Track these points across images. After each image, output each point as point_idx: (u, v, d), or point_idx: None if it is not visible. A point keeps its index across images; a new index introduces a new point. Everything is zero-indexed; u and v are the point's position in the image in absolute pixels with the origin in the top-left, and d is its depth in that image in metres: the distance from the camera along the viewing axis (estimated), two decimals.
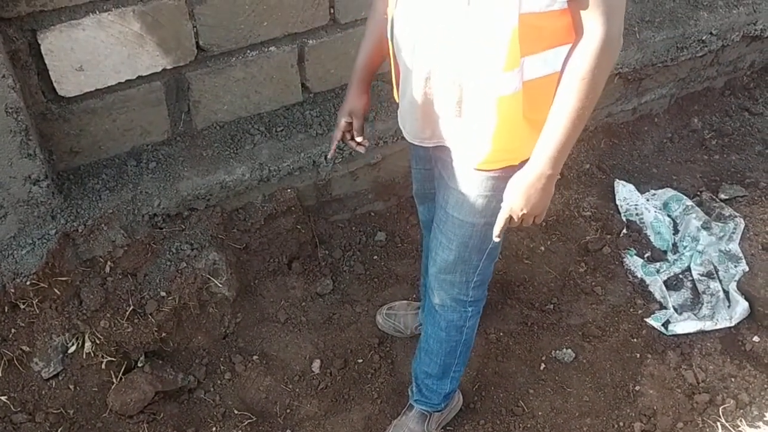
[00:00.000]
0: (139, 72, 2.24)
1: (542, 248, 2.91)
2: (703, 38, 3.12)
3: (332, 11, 2.46)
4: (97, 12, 2.07)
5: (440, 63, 1.60)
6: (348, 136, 1.98)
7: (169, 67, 2.28)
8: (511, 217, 1.69)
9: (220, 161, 2.43)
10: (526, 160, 1.62)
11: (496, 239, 1.76)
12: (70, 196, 2.28)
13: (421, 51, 1.62)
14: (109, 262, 2.32)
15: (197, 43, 2.29)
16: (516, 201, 1.64)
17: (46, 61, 2.08)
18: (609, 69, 1.50)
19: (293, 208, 2.58)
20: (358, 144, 1.98)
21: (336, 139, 1.99)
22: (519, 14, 1.44)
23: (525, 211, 1.65)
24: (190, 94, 2.39)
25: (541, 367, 2.56)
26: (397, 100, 1.84)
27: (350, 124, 1.96)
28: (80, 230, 2.26)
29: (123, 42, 2.15)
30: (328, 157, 2.18)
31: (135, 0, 2.11)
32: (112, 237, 2.31)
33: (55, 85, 2.14)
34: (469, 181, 1.75)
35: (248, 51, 2.41)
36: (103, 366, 2.29)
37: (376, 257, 2.82)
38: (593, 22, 1.44)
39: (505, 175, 1.67)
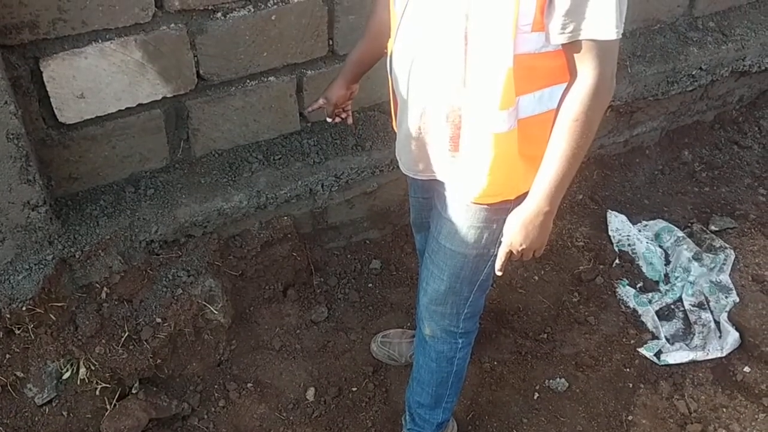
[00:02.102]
0: (140, 100, 2.27)
1: (536, 278, 2.93)
2: (693, 73, 3.18)
3: (331, 43, 2.50)
4: (100, 41, 2.10)
5: (435, 100, 1.64)
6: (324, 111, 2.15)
7: (169, 96, 2.31)
8: (511, 252, 1.72)
9: (217, 188, 2.45)
10: (522, 194, 1.66)
11: (498, 273, 1.78)
12: (67, 222, 2.29)
13: (417, 87, 1.66)
14: (105, 288, 2.33)
15: (198, 72, 2.32)
16: (516, 237, 1.68)
17: (48, 88, 2.11)
18: (602, 111, 1.53)
19: (289, 236, 2.60)
20: (328, 118, 2.17)
21: (312, 106, 2.16)
22: (514, 55, 1.48)
23: (524, 247, 1.69)
24: (189, 122, 2.42)
25: (535, 397, 2.57)
26: (395, 130, 1.87)
27: (326, 105, 2.12)
28: (77, 256, 2.26)
29: (124, 70, 2.18)
30: (306, 110, 2.27)
31: (137, 29, 2.14)
32: (109, 263, 2.32)
33: (55, 111, 2.16)
34: (463, 212, 1.78)
35: (248, 80, 2.44)
36: (98, 392, 2.29)
37: (371, 285, 2.84)
38: (586, 66, 1.47)
39: (498, 207, 1.71)
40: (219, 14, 2.25)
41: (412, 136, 1.74)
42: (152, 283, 2.38)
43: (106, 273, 2.33)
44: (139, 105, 2.28)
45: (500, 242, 1.75)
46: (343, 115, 2.18)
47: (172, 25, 2.19)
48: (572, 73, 1.51)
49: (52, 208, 2.24)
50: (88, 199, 2.36)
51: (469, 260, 1.85)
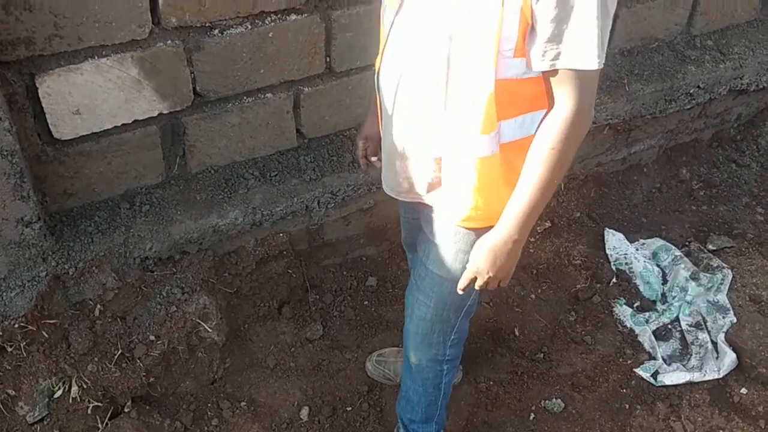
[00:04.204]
0: (136, 116, 2.26)
1: (533, 296, 2.92)
2: (691, 92, 3.18)
3: (328, 60, 2.50)
4: (96, 57, 2.09)
5: (418, 120, 1.63)
6: (364, 159, 2.08)
7: (165, 112, 2.30)
8: (474, 278, 1.70)
9: (213, 205, 2.44)
10: None
11: (460, 292, 1.76)
12: (62, 238, 2.28)
13: (401, 106, 1.66)
14: (98, 305, 2.31)
15: (194, 88, 2.31)
16: (482, 263, 1.66)
17: (43, 105, 2.10)
18: (579, 141, 1.53)
19: (285, 253, 2.58)
20: (371, 163, 2.08)
21: (359, 158, 2.08)
22: (496, 80, 1.47)
23: (490, 274, 1.67)
24: (185, 138, 2.41)
25: (531, 417, 2.55)
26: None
27: (366, 146, 2.04)
28: (71, 273, 2.25)
29: (121, 87, 2.17)
30: (362, 171, 2.26)
31: (134, 46, 2.13)
32: (103, 280, 2.30)
33: (51, 128, 2.15)
34: (450, 237, 1.77)
35: (245, 97, 2.43)
36: (90, 411, 2.27)
37: (366, 303, 2.82)
38: (565, 94, 1.47)
39: (485, 233, 1.69)
40: (216, 31, 2.24)
41: (396, 155, 1.74)
42: (146, 300, 2.37)
43: (100, 290, 2.31)
44: (135, 121, 2.27)
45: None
46: (373, 159, 2.06)
47: (169, 41, 2.18)
48: (551, 101, 1.51)
49: (47, 224, 2.22)
50: (82, 215, 2.35)
51: (456, 287, 1.82)
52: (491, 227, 1.67)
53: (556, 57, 1.44)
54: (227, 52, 2.29)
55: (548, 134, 1.50)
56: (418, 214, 1.92)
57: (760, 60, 3.32)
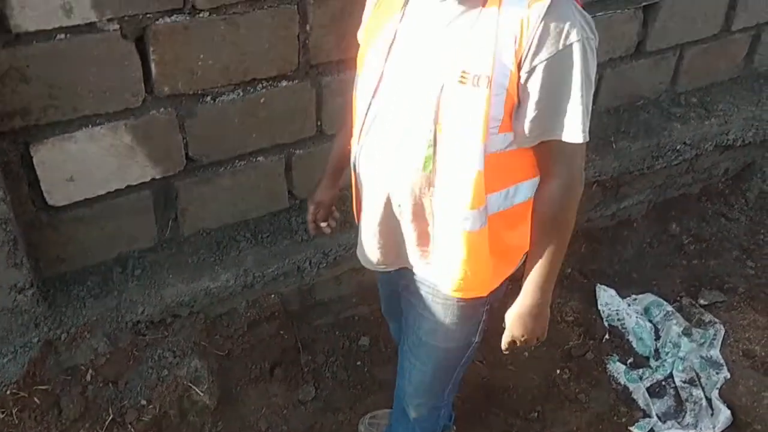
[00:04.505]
0: (129, 182, 2.29)
1: (526, 354, 2.91)
2: (678, 148, 3.23)
3: (319, 123, 2.55)
4: (90, 126, 2.14)
5: (403, 197, 1.64)
6: (313, 225, 2.11)
7: (158, 177, 2.34)
8: (514, 342, 1.78)
9: (205, 268, 2.45)
10: (495, 290, 1.72)
11: (506, 353, 1.84)
12: (54, 304, 2.29)
13: (385, 184, 1.65)
14: (90, 370, 2.31)
15: (186, 154, 2.36)
16: (517, 330, 1.76)
17: (38, 172, 2.14)
18: (576, 204, 1.60)
19: (276, 314, 2.59)
20: (320, 228, 2.11)
21: (309, 222, 2.11)
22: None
23: (526, 337, 1.75)
24: (178, 202, 2.44)
25: None
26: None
27: (318, 211, 2.08)
28: (63, 338, 2.26)
29: (114, 154, 2.21)
30: (311, 234, 2.22)
31: (127, 114, 2.18)
32: (95, 345, 2.31)
33: (45, 195, 2.18)
34: (440, 308, 1.80)
35: (237, 161, 2.47)
36: None
37: (359, 363, 2.82)
38: (556, 166, 1.54)
39: (475, 301, 1.72)
40: (208, 98, 2.29)
41: (379, 230, 1.74)
42: (138, 364, 2.37)
43: (92, 355, 2.32)
44: (128, 186, 2.31)
45: (482, 330, 1.77)
46: (323, 224, 2.11)
47: (162, 109, 2.23)
48: (543, 172, 1.57)
49: (39, 289, 2.24)
50: (75, 280, 2.37)
51: (452, 352, 1.86)
52: (481, 297, 1.72)
53: (545, 133, 1.50)
54: (219, 118, 2.34)
55: (548, 208, 1.58)
56: (398, 286, 1.93)
57: (744, 116, 3.39)
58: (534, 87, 1.45)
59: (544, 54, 1.43)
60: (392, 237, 1.74)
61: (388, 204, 1.68)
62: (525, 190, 1.62)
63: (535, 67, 1.44)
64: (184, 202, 2.45)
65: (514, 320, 1.74)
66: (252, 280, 2.49)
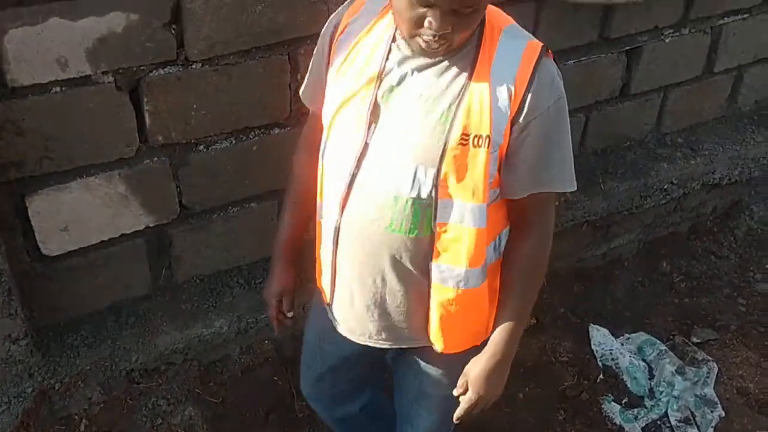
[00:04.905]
0: (123, 230, 2.31)
1: (521, 395, 2.91)
2: (665, 187, 3.28)
3: None
4: (85, 176, 2.17)
5: (408, 266, 1.61)
6: (281, 315, 1.98)
7: (151, 225, 2.36)
8: (476, 404, 1.73)
9: (199, 315, 2.47)
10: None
11: (456, 422, 1.77)
12: (48, 353, 2.29)
13: (377, 257, 1.61)
14: (84, 420, 2.31)
15: (180, 201, 2.38)
16: (483, 390, 1.70)
17: (32, 223, 2.16)
18: (547, 258, 1.65)
19: (271, 360, 2.60)
20: (284, 320, 2.00)
21: (273, 319, 1.99)
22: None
23: (488, 398, 1.72)
24: (171, 249, 2.46)
25: None
26: (327, 301, 1.81)
27: (281, 302, 1.95)
28: (57, 388, 2.26)
29: (108, 203, 2.24)
30: (276, 335, 2.12)
31: (121, 164, 2.21)
32: (89, 394, 2.30)
33: (39, 244, 2.20)
34: (443, 363, 1.78)
35: (230, 207, 2.50)
36: None
37: None
38: (538, 217, 1.61)
39: (474, 348, 1.73)
40: (201, 147, 2.33)
41: (372, 306, 1.69)
42: (132, 413, 2.36)
43: (86, 404, 2.32)
44: (122, 235, 2.33)
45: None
46: (289, 314, 1.99)
47: (156, 158, 2.26)
48: (519, 224, 1.61)
49: (33, 339, 2.24)
50: (69, 329, 2.37)
51: (455, 396, 1.82)
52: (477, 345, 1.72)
53: (537, 185, 1.54)
54: (213, 166, 2.37)
55: (528, 259, 1.61)
56: (371, 358, 1.90)
57: (729, 155, 3.45)
58: (529, 142, 1.49)
59: (539, 109, 1.46)
60: (390, 308, 1.69)
61: (385, 273, 1.63)
62: (504, 239, 1.66)
63: (530, 122, 1.47)
64: (177, 249, 2.47)
65: (481, 379, 1.67)
66: (246, 326, 2.50)
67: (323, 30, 1.68)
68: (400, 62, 1.51)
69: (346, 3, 1.67)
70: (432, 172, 1.49)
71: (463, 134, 1.46)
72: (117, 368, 2.33)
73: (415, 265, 1.60)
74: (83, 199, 2.19)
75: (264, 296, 1.99)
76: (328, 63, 1.63)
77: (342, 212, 1.60)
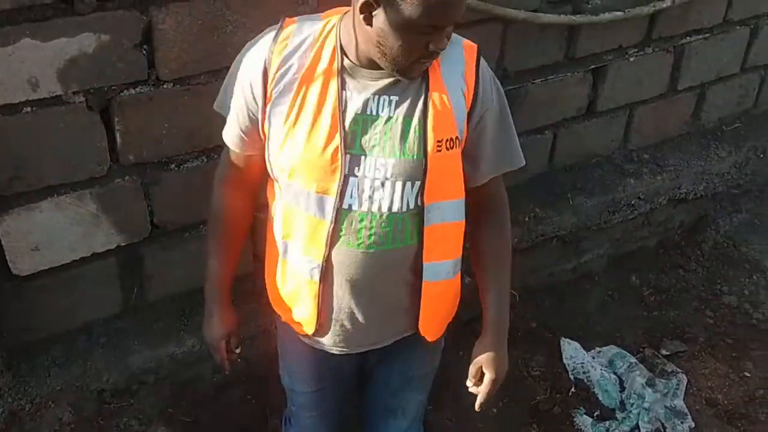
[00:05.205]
0: (94, 249, 2.31)
1: (494, 410, 2.93)
2: (632, 202, 3.35)
3: None
4: (56, 195, 2.17)
5: (393, 283, 1.70)
6: (231, 355, 2.01)
7: (123, 244, 2.36)
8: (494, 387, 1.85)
9: (171, 333, 2.46)
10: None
11: (479, 409, 1.88)
12: (18, 374, 2.28)
13: (374, 276, 1.66)
14: None
15: (152, 220, 2.39)
16: (501, 373, 1.81)
17: (3, 243, 2.15)
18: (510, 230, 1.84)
19: (244, 378, 2.59)
20: (236, 355, 2.03)
21: (224, 360, 2.01)
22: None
23: (503, 375, 1.84)
24: (143, 268, 2.46)
25: None
26: (308, 332, 1.80)
27: (228, 343, 1.98)
28: (27, 408, 2.24)
29: (79, 222, 2.24)
30: (227, 373, 2.10)
31: (93, 183, 2.22)
32: (59, 414, 2.29)
33: (9, 264, 2.19)
34: (425, 344, 1.85)
35: (202, 226, 2.50)
36: None
37: None
38: (500, 195, 1.76)
39: None
40: (173, 165, 2.34)
41: (371, 316, 1.74)
42: None
43: (56, 425, 2.30)
44: (94, 254, 2.32)
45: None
46: (237, 351, 2.04)
47: (127, 177, 2.27)
48: (484, 208, 1.74)
49: (3, 360, 2.23)
50: (40, 349, 2.36)
51: (435, 369, 2.03)
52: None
53: (498, 168, 1.70)
54: (184, 185, 2.39)
55: (504, 240, 1.79)
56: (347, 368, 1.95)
57: (695, 170, 3.53)
58: (487, 131, 1.63)
59: (489, 100, 1.61)
60: (384, 321, 1.78)
61: (383, 285, 1.69)
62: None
63: (484, 114, 1.61)
64: (149, 268, 2.47)
65: (494, 359, 1.77)
66: None
67: (242, 71, 1.61)
68: (359, 90, 1.54)
69: (264, 40, 1.60)
70: (417, 184, 1.57)
71: (437, 142, 1.55)
72: (88, 388, 2.32)
73: (409, 269, 1.68)
74: (54, 219, 2.19)
75: (209, 341, 1.98)
76: (265, 106, 1.58)
77: (330, 246, 1.61)
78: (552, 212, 3.16)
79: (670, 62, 3.38)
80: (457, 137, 1.57)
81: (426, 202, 1.59)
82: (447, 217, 1.63)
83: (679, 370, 3.08)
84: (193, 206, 2.43)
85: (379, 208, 1.58)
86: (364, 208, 1.58)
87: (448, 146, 1.56)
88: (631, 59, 3.22)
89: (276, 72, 1.55)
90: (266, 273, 1.88)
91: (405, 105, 1.54)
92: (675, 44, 3.33)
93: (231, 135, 1.70)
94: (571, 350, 3.16)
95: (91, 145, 2.16)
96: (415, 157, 1.55)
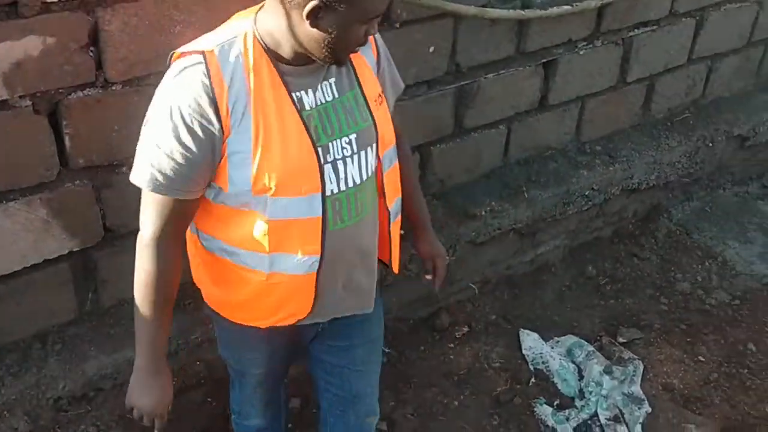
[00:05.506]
0: (46, 256, 2.28)
1: (456, 403, 2.96)
2: (586, 193, 3.40)
3: None
4: (4, 201, 2.14)
5: (374, 234, 1.84)
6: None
7: (75, 250, 2.33)
8: None
9: (127, 338, 2.42)
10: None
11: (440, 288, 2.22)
12: None
13: (361, 244, 1.79)
14: None
15: (104, 224, 2.36)
16: (443, 250, 2.18)
17: None
18: None
19: (203, 381, 2.58)
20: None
21: (163, 429, 1.86)
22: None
23: None
24: (97, 273, 2.43)
25: None
26: (300, 317, 1.82)
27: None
28: None
29: (29, 228, 2.20)
30: None
31: (42, 188, 2.18)
32: (15, 424, 2.25)
33: None
34: (376, 304, 1.99)
35: None
36: None
37: (290, 425, 2.80)
38: (396, 126, 1.88)
39: None
40: (124, 168, 2.31)
41: (360, 289, 1.88)
42: None
43: None
44: (45, 261, 2.29)
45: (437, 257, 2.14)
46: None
47: (77, 181, 2.24)
48: (398, 133, 1.88)
49: None
50: None
51: None
52: None
53: (396, 93, 1.94)
54: (137, 188, 2.34)
55: (410, 153, 2.13)
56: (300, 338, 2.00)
57: (646, 161, 3.60)
58: (386, 71, 1.84)
59: (382, 44, 1.83)
60: (362, 281, 1.88)
61: (367, 247, 1.83)
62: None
63: (382, 59, 1.82)
64: (103, 273, 2.44)
65: (439, 247, 2.16)
66: (176, 347, 2.47)
67: (185, 117, 1.53)
68: (305, 87, 1.62)
69: (193, 80, 1.54)
70: (374, 145, 1.72)
71: (373, 101, 1.73)
72: (44, 397, 2.28)
73: (377, 223, 1.84)
74: (3, 226, 2.15)
75: (155, 411, 1.81)
76: (224, 140, 1.55)
77: (323, 237, 1.67)
78: (508, 205, 3.20)
79: (620, 55, 3.44)
80: (381, 90, 1.77)
81: (381, 155, 1.75)
82: (393, 159, 1.82)
83: (635, 356, 3.14)
84: None
85: (354, 182, 1.69)
86: (342, 187, 1.67)
87: (379, 101, 1.74)
88: (581, 52, 3.27)
89: (226, 105, 1.53)
90: (222, 296, 1.86)
91: (342, 82, 1.67)
92: (623, 37, 3.39)
93: (178, 184, 1.59)
94: (530, 341, 3.20)
95: (39, 149, 2.13)
96: (367, 122, 1.70)
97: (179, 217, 1.67)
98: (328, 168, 1.63)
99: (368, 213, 1.76)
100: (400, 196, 1.88)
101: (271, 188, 1.58)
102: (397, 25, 2.65)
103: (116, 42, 2.11)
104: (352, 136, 1.66)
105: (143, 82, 2.21)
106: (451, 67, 2.92)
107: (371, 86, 1.73)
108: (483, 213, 3.15)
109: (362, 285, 1.87)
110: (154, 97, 1.62)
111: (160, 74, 2.21)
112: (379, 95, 1.76)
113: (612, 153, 3.57)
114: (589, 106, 3.48)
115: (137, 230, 2.43)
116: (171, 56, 1.63)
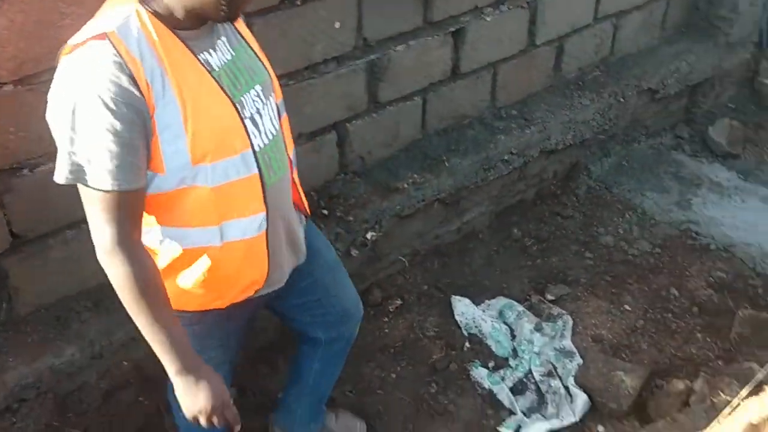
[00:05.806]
0: None
1: (393, 375, 2.97)
2: (506, 158, 3.44)
3: None
4: None
5: (287, 185, 1.89)
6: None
7: None
8: None
9: (47, 345, 2.36)
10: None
11: None
12: None
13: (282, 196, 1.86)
14: None
15: (11, 230, 2.27)
16: None
17: None
18: None
19: (132, 381, 2.52)
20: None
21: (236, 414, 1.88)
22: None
23: None
24: (8, 282, 2.34)
25: None
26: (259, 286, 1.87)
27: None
28: None
29: None
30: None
31: None
32: None
33: None
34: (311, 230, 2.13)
35: (66, 230, 2.41)
36: None
37: None
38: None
39: None
40: (26, 171, 2.24)
41: (292, 241, 1.94)
42: None
43: None
44: None
45: None
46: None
47: None
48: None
49: None
50: None
51: None
52: None
53: None
54: (41, 190, 2.27)
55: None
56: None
57: (561, 121, 3.66)
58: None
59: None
60: (296, 231, 1.96)
61: (291, 205, 1.92)
62: None
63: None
64: (15, 280, 2.35)
65: None
66: (100, 350, 2.41)
67: (110, 101, 1.46)
68: (206, 48, 1.65)
69: (104, 63, 1.48)
70: (273, 94, 1.82)
71: (260, 51, 1.82)
72: None
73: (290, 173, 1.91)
74: None
75: (217, 403, 1.77)
76: (152, 116, 1.53)
77: (264, 192, 1.73)
78: (430, 176, 3.21)
79: (527, 18, 3.48)
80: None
81: (277, 101, 1.84)
82: (282, 108, 1.88)
83: (564, 312, 3.21)
84: (54, 212, 2.33)
85: (272, 134, 1.77)
86: (266, 141, 1.74)
87: (261, 53, 1.82)
88: (488, 18, 3.29)
89: (145, 80, 1.50)
90: (178, 287, 1.80)
91: (232, 39, 1.73)
92: (528, 0, 3.42)
93: (123, 174, 1.51)
94: (461, 306, 3.23)
95: None
96: (263, 72, 1.79)
97: (135, 212, 1.60)
98: (249, 123, 1.69)
99: (287, 164, 1.84)
100: (293, 144, 1.96)
101: (209, 152, 1.59)
102: (299, 2, 2.62)
103: (3, 40, 2.02)
104: (258, 88, 1.74)
105: (36, 80, 2.13)
106: (359, 41, 2.90)
107: (251, 38, 1.81)
108: (406, 186, 3.16)
109: (299, 235, 1.97)
110: (59, 95, 1.53)
111: (54, 70, 2.15)
112: (258, 46, 1.83)
113: (527, 116, 3.61)
114: (502, 71, 3.51)
115: (46, 234, 2.38)
116: (61, 51, 1.56)
